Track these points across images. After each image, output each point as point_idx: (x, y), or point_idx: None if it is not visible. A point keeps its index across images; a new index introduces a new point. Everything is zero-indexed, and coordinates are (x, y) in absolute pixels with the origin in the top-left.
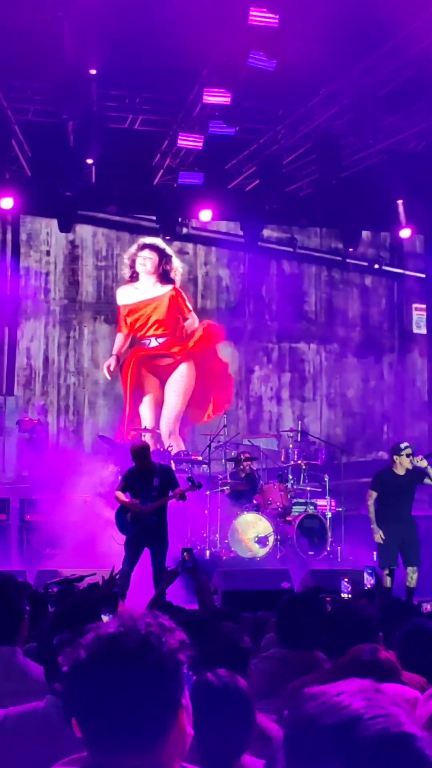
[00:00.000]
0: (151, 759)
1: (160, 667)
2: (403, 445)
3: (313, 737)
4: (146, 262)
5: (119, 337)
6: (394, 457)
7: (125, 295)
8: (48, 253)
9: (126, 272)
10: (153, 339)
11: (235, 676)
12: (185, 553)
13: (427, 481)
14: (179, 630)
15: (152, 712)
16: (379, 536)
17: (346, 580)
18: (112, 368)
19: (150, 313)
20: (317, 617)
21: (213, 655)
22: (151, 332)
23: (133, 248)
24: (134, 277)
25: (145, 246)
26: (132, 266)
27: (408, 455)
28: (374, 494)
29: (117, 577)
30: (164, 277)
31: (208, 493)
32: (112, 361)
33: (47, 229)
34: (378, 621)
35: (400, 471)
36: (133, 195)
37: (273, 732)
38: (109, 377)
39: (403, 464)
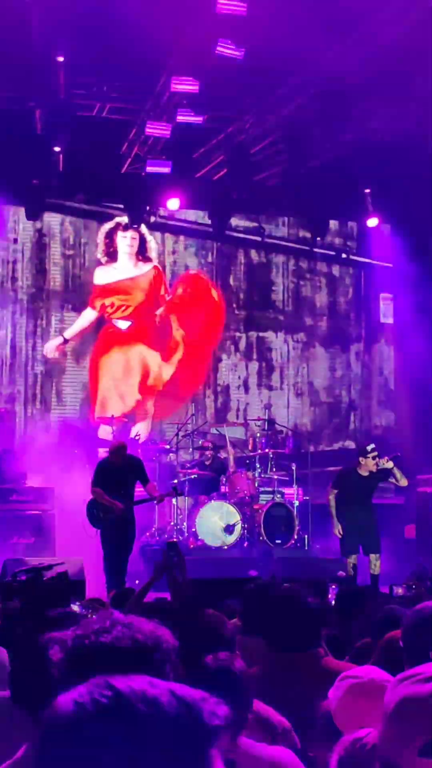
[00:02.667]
0: None
1: (159, 673)
2: (369, 448)
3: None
4: (133, 242)
5: (84, 319)
6: (360, 459)
7: (104, 275)
8: (15, 241)
9: (100, 253)
10: (124, 321)
11: (233, 657)
12: (170, 548)
13: (391, 480)
14: (162, 627)
15: None
16: (337, 530)
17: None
18: (57, 351)
19: (129, 294)
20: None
21: (197, 644)
22: (123, 314)
23: (108, 227)
24: (112, 257)
25: (127, 227)
26: (111, 246)
27: (374, 458)
28: (335, 491)
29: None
30: (143, 256)
31: (175, 481)
32: (57, 343)
33: (14, 217)
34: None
35: (364, 472)
36: (101, 183)
37: (275, 720)
38: (55, 356)
39: (368, 466)
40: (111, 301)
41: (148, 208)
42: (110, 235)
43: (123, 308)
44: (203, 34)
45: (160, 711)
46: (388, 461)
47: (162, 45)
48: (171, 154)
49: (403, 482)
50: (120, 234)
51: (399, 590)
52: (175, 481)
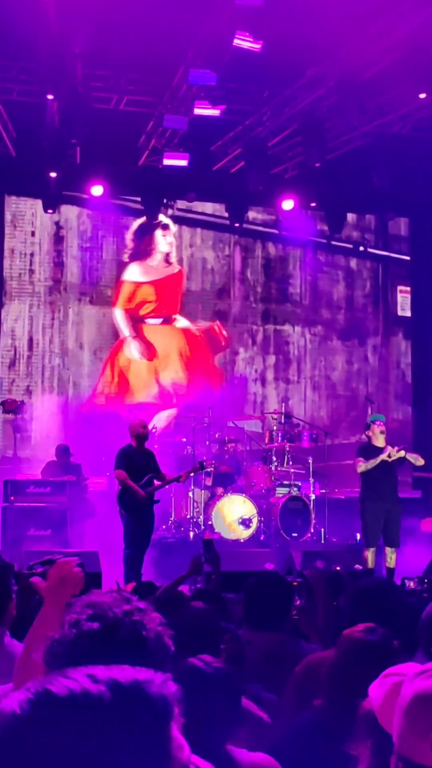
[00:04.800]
0: None
1: (147, 645)
2: (371, 417)
3: None
4: (171, 245)
5: (122, 316)
6: (366, 432)
7: (140, 272)
8: (33, 233)
9: (129, 248)
10: (154, 318)
11: (225, 664)
12: (206, 545)
13: (410, 458)
14: (153, 610)
15: None
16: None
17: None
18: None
19: (162, 293)
20: (285, 599)
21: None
22: (153, 311)
23: (138, 223)
24: (146, 254)
25: (166, 226)
26: (149, 244)
27: (374, 422)
28: (361, 460)
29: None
30: (168, 257)
31: (192, 474)
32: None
33: (32, 209)
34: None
35: (379, 443)
36: (118, 176)
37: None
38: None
39: (376, 434)
40: (144, 298)
41: (165, 201)
42: (147, 233)
43: (156, 306)
44: (221, 27)
45: (96, 705)
46: (399, 451)
47: (180, 37)
48: (188, 146)
49: (419, 461)
50: (159, 232)
51: (411, 584)
52: (205, 458)
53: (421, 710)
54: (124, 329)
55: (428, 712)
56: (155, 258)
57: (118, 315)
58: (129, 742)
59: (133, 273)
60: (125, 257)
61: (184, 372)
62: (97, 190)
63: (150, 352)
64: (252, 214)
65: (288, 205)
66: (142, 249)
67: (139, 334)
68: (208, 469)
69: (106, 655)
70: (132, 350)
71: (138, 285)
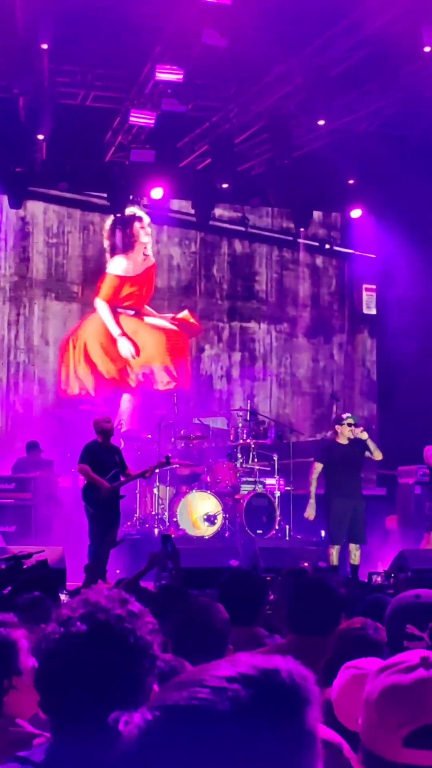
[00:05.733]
0: None
1: (133, 652)
2: (345, 415)
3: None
4: (150, 232)
5: (107, 311)
6: (336, 426)
7: (122, 265)
8: None
9: (107, 243)
10: (130, 310)
11: (182, 662)
12: (165, 540)
13: (367, 454)
14: (148, 614)
15: (124, 697)
16: (311, 513)
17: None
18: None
19: (142, 286)
20: (258, 594)
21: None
22: (133, 305)
23: (110, 219)
24: (131, 246)
25: (141, 218)
26: (130, 236)
27: (349, 425)
28: (319, 466)
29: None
30: (145, 250)
31: (157, 471)
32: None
33: None
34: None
35: (343, 441)
36: (85, 172)
37: None
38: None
39: (344, 434)
40: (128, 292)
41: (131, 197)
42: (126, 226)
43: (135, 299)
44: (188, 23)
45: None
46: (362, 431)
47: (147, 33)
48: (155, 143)
49: (378, 455)
50: (137, 225)
51: (377, 578)
52: (170, 454)
53: (390, 704)
54: (113, 328)
55: (397, 707)
56: (138, 251)
57: (104, 309)
58: (271, 737)
59: (118, 266)
60: (107, 251)
61: (168, 369)
62: (157, 193)
63: (136, 349)
64: (218, 211)
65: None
66: (125, 242)
67: (124, 332)
68: (174, 466)
69: (90, 657)
70: (123, 349)
71: (123, 278)
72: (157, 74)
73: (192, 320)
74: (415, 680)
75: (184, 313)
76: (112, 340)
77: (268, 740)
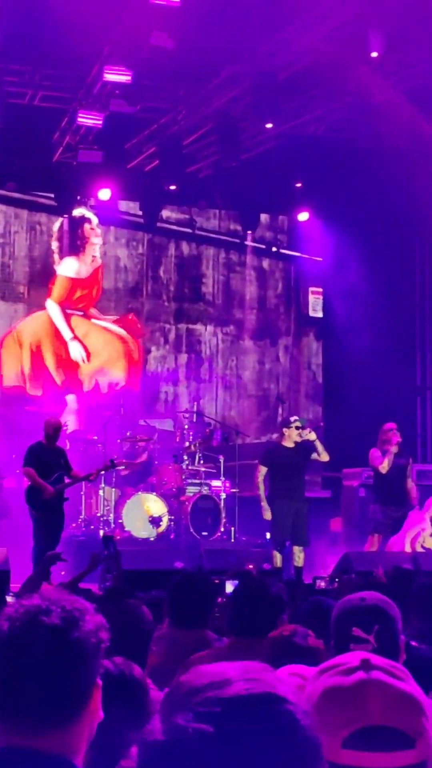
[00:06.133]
0: (63, 738)
1: (81, 646)
2: (292, 418)
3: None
4: (99, 233)
5: (59, 313)
6: (283, 429)
7: (73, 267)
8: None
9: (56, 245)
10: (78, 311)
11: (130, 665)
12: (106, 541)
13: (314, 456)
14: (95, 613)
15: (70, 690)
16: (267, 514)
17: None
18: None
19: (91, 287)
20: (208, 597)
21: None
22: (82, 306)
23: (59, 220)
24: (82, 248)
25: (90, 219)
26: (81, 239)
27: (297, 428)
28: (264, 469)
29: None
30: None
31: (102, 472)
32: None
33: None
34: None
35: (289, 444)
36: (32, 172)
37: None
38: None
39: (291, 437)
40: (79, 294)
41: (78, 198)
42: (76, 227)
43: (85, 301)
44: (137, 24)
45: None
46: (310, 432)
47: (96, 34)
48: (103, 144)
49: (325, 456)
50: (87, 226)
51: (321, 583)
52: (116, 456)
53: (330, 706)
54: (65, 331)
55: (337, 708)
56: (89, 253)
57: (55, 312)
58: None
59: (69, 268)
60: (55, 253)
61: (118, 371)
62: (104, 194)
63: (87, 354)
64: (166, 213)
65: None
66: (75, 244)
67: (75, 336)
68: (119, 467)
69: (35, 657)
70: (74, 352)
71: (75, 281)
72: (106, 75)
73: (135, 320)
74: (355, 682)
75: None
76: (63, 343)
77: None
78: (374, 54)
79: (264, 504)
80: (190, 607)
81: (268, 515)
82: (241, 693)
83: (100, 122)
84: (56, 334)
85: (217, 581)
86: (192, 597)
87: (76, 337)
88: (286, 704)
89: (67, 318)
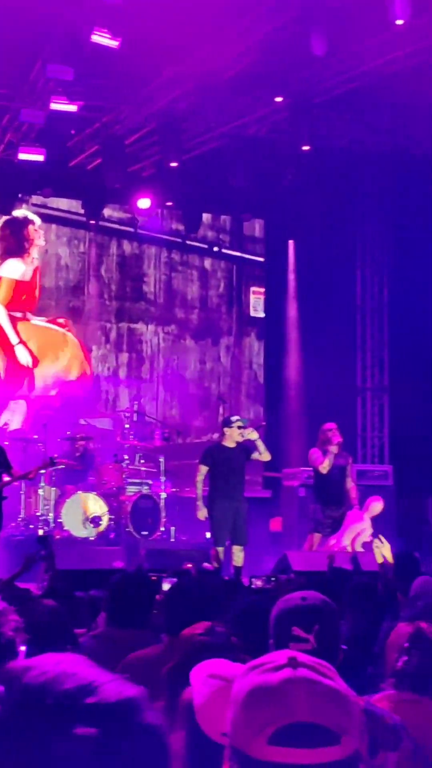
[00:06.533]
0: None
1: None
2: (234, 418)
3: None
4: (42, 234)
5: (4, 314)
6: (224, 429)
7: (16, 268)
8: None
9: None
10: (18, 312)
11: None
12: (40, 541)
13: (255, 455)
14: (12, 612)
15: None
16: (202, 514)
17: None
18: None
19: (33, 289)
20: (147, 597)
21: (37, 634)
22: (24, 308)
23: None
24: (26, 250)
25: (33, 221)
26: (27, 240)
27: (239, 427)
28: (204, 469)
29: None
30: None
31: (42, 472)
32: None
33: None
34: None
35: (230, 443)
36: None
37: None
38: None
39: (232, 436)
40: (23, 296)
41: (20, 195)
42: (20, 228)
43: (29, 302)
44: (80, 22)
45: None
46: (252, 431)
47: (38, 31)
48: (45, 141)
49: (266, 456)
50: (31, 228)
51: (258, 582)
52: (56, 455)
53: (256, 703)
54: (12, 336)
55: (264, 705)
56: (33, 254)
57: (2, 315)
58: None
59: (14, 270)
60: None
61: (63, 371)
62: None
63: (34, 360)
64: (108, 212)
65: (144, 203)
66: (19, 245)
67: (21, 340)
68: (59, 466)
69: None
70: (21, 357)
71: (20, 283)
72: (48, 73)
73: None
74: (282, 680)
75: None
76: (9, 347)
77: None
78: (317, 55)
79: (199, 503)
80: (129, 607)
81: (202, 515)
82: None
83: (42, 120)
84: (3, 338)
85: (154, 578)
86: (130, 596)
87: (22, 342)
88: (90, 697)
89: (13, 322)
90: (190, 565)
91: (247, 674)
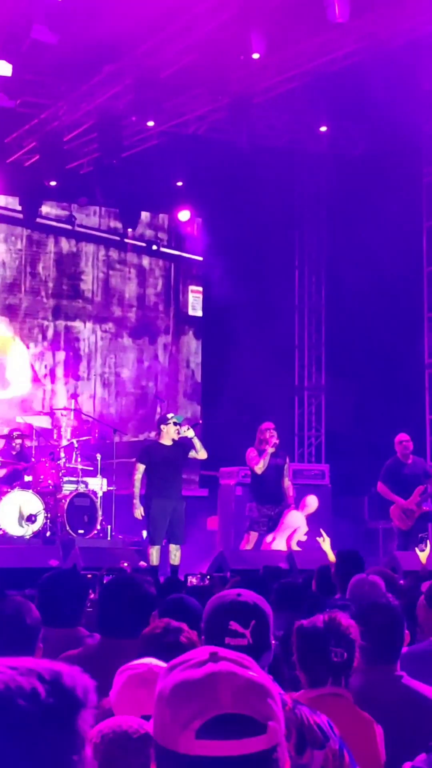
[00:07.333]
0: None
1: None
2: (170, 415)
3: None
4: None
5: None
6: (161, 426)
7: None
8: None
9: None
10: None
11: None
12: None
13: (192, 453)
14: None
15: None
16: (138, 512)
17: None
18: None
19: None
20: (79, 594)
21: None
22: None
23: None
24: None
25: None
26: None
27: (175, 424)
28: (142, 467)
29: None
30: None
31: None
32: None
33: None
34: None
35: (167, 441)
36: None
37: None
38: None
39: (169, 434)
40: None
41: None
42: None
43: None
44: (18, 17)
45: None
46: (188, 429)
47: None
48: None
49: (203, 454)
50: None
51: (193, 580)
52: None
53: (182, 699)
54: None
55: (189, 700)
56: None
57: None
58: (48, 733)
59: None
60: None
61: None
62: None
63: None
64: (45, 209)
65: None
66: None
67: None
68: None
69: None
70: None
71: None
72: None
73: None
74: (206, 674)
75: None
76: None
77: (41, 736)
78: (256, 55)
79: (136, 501)
80: (60, 605)
81: (138, 513)
82: None
83: None
84: None
85: (90, 576)
86: (62, 594)
87: None
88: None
89: None
90: (125, 564)
91: (170, 672)
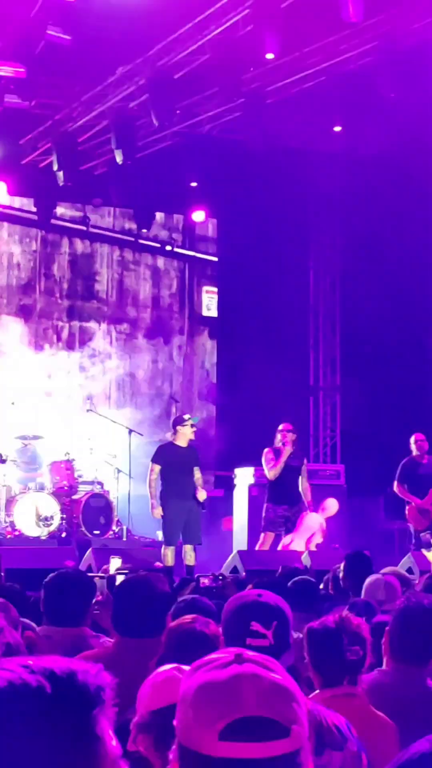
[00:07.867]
0: None
1: None
2: (186, 416)
3: None
4: None
5: None
6: (177, 428)
7: None
8: None
9: None
10: None
11: None
12: None
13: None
14: None
15: None
16: (158, 512)
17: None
18: None
19: None
20: (84, 594)
21: None
22: None
23: None
24: None
25: None
26: None
27: (192, 425)
28: (157, 468)
29: None
30: None
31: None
32: None
33: None
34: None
35: (182, 442)
36: None
37: None
38: None
39: (185, 435)
40: None
41: None
42: None
43: None
44: (32, 19)
45: (35, 695)
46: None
47: None
48: None
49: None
50: None
51: (205, 581)
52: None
53: (205, 700)
54: None
55: (213, 702)
56: None
57: None
58: (58, 731)
59: None
60: None
61: None
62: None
63: None
64: (60, 210)
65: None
66: None
67: None
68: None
69: None
70: None
71: None
72: (0, 69)
73: None
74: (230, 676)
75: None
76: None
77: (55, 734)
78: (269, 56)
79: (154, 501)
80: (65, 605)
81: (157, 513)
82: None
83: None
84: None
85: (97, 579)
86: (68, 594)
87: None
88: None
89: None
90: (160, 565)
91: (194, 673)
